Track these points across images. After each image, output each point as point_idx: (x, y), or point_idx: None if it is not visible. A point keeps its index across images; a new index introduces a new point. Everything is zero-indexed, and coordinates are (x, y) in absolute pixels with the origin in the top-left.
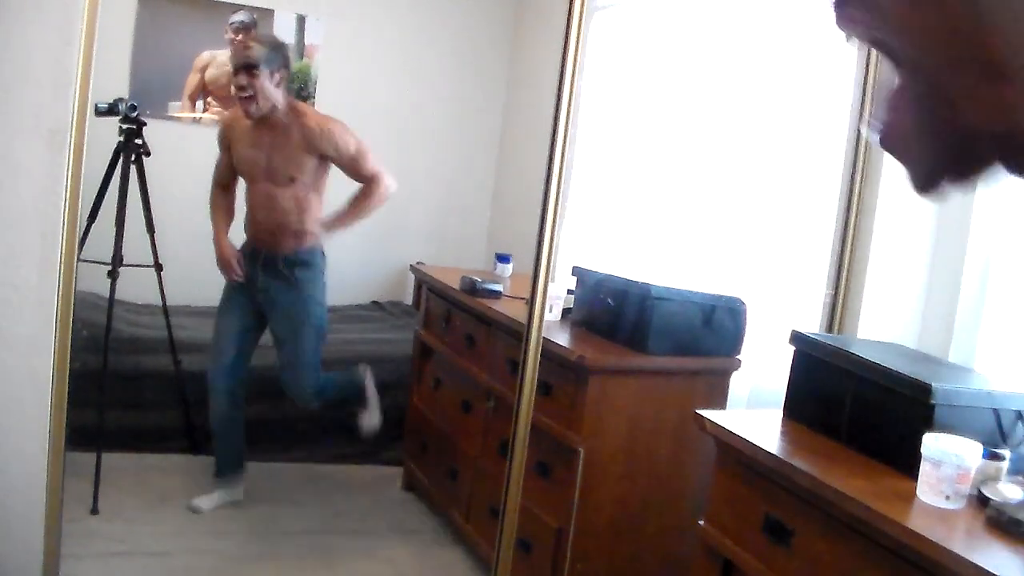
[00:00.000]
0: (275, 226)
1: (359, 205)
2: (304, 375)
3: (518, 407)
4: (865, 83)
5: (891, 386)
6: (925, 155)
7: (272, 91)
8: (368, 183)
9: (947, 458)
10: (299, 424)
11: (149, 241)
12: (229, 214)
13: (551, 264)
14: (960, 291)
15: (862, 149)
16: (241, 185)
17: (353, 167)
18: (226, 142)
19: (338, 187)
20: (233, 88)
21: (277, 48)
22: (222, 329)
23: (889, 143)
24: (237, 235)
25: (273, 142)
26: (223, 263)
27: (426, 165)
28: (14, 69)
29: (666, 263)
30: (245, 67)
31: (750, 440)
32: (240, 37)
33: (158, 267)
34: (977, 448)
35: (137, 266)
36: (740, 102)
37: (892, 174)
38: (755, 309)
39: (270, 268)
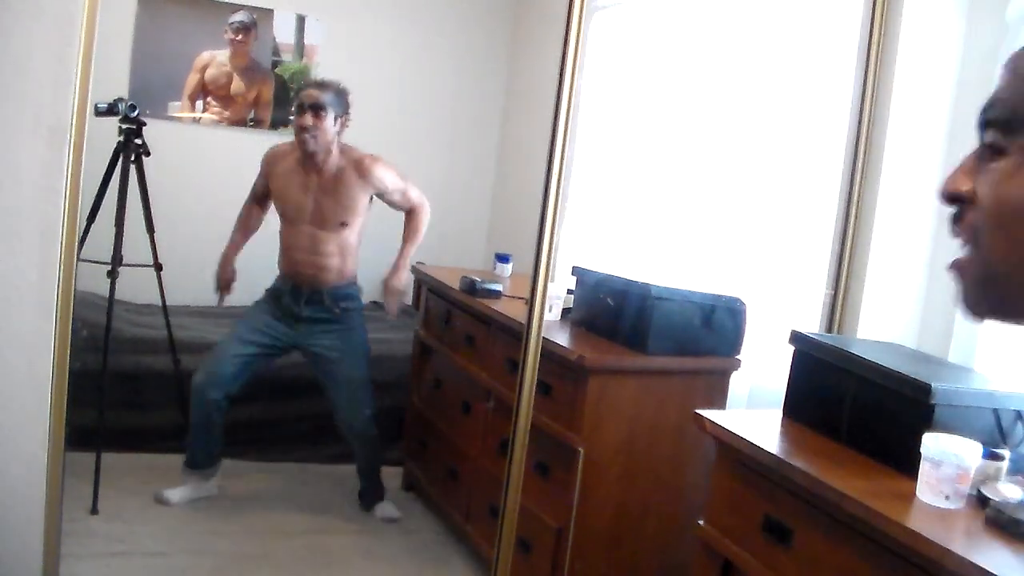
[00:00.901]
0: (318, 268)
1: (413, 237)
2: (363, 403)
3: (518, 407)
4: (865, 83)
5: (891, 386)
6: None
7: (331, 133)
8: (413, 211)
9: (947, 458)
10: (299, 424)
11: (149, 241)
12: (250, 229)
13: (551, 264)
14: None
15: (862, 149)
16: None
17: (402, 198)
18: (267, 171)
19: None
20: (295, 126)
21: (342, 94)
22: (235, 345)
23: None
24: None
25: (323, 186)
26: (222, 279)
27: (426, 165)
28: (14, 68)
29: (666, 263)
30: (312, 107)
31: (750, 440)
32: (240, 37)
33: (158, 267)
34: (977, 448)
35: (137, 266)
36: (740, 102)
37: (892, 174)
38: (755, 309)
39: (315, 303)
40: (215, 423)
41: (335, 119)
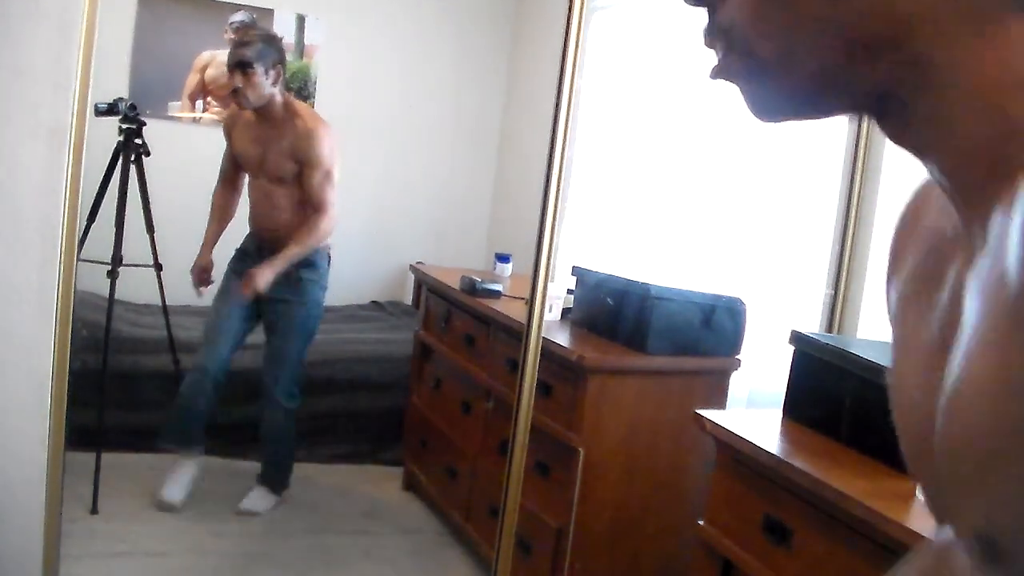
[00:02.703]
0: (274, 224)
1: (301, 238)
2: (285, 373)
3: (518, 407)
4: None
5: None
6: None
7: (267, 88)
8: (316, 209)
9: None
10: (298, 424)
11: (149, 241)
12: (226, 216)
13: (551, 264)
14: None
15: (862, 149)
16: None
17: (311, 182)
18: (228, 134)
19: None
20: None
21: (271, 42)
22: (221, 318)
23: (719, 77)
24: (236, 231)
25: (269, 138)
26: (196, 272)
27: (426, 165)
28: (14, 68)
29: (666, 263)
30: (239, 65)
31: (750, 440)
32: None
33: (158, 267)
34: None
35: (137, 266)
36: (740, 102)
37: (892, 174)
38: (755, 309)
39: None
40: (202, 401)
41: (266, 71)
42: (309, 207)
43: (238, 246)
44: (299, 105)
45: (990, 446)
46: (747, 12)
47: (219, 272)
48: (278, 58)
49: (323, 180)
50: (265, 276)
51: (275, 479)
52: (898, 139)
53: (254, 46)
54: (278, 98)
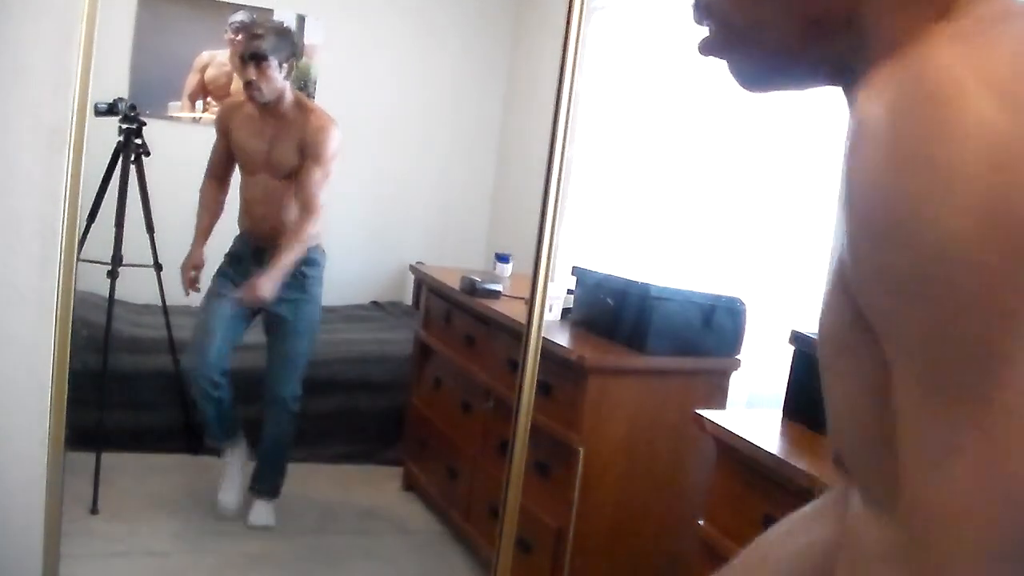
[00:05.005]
0: (275, 220)
1: (293, 246)
2: (294, 374)
3: (518, 407)
4: None
5: None
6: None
7: (280, 81)
8: (306, 208)
9: None
10: (298, 424)
11: (149, 241)
12: (216, 214)
13: (551, 264)
14: None
15: None
16: (236, 179)
17: (310, 179)
18: (224, 128)
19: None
20: (242, 77)
21: (284, 35)
22: (214, 317)
23: (706, 53)
24: (226, 227)
25: (276, 133)
26: (187, 270)
27: (426, 164)
28: (14, 69)
29: (666, 263)
30: (253, 57)
31: (750, 440)
32: (240, 37)
33: (158, 267)
34: None
35: (137, 266)
36: (739, 101)
37: None
38: (755, 309)
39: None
40: (217, 398)
41: (279, 64)
42: (300, 204)
43: (226, 250)
44: (309, 102)
45: None
46: None
47: (207, 272)
48: (291, 51)
49: (321, 180)
50: (269, 287)
51: (275, 486)
52: None
53: (268, 38)
54: (288, 92)
